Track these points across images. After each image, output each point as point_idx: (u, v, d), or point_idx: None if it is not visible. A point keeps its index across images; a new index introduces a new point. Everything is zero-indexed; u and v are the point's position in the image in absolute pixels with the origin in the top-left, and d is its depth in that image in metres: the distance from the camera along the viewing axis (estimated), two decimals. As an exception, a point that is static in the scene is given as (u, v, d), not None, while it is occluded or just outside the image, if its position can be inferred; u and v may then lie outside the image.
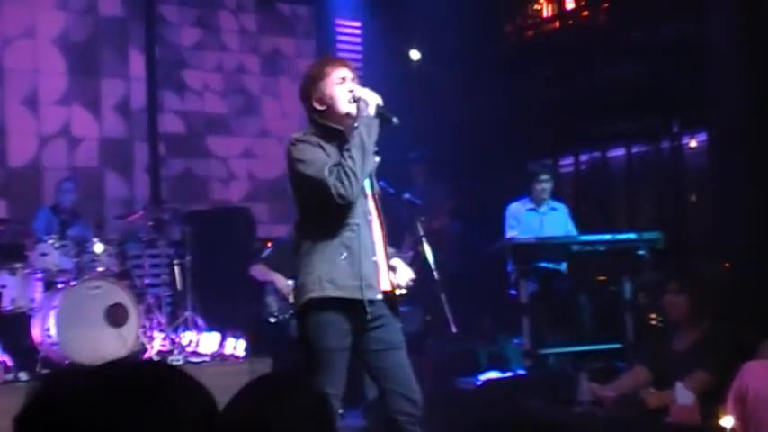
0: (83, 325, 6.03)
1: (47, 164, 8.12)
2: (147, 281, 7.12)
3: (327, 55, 3.58)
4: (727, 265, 6.40)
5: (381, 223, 3.54)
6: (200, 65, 8.96)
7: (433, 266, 6.84)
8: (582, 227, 6.92)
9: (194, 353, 6.69)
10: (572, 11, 9.19)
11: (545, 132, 8.68)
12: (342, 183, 3.24)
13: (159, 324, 6.84)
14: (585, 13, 9.04)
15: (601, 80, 8.26)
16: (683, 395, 4.02)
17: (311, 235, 3.41)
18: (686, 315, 4.53)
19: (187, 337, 6.81)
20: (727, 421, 3.13)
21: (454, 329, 7.05)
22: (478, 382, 5.26)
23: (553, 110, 8.53)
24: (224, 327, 6.85)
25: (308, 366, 3.40)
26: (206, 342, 6.75)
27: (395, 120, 3.42)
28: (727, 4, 7.04)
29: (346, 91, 3.44)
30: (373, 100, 3.40)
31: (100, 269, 6.36)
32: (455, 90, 8.69)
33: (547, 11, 9.49)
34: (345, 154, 3.30)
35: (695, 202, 8.59)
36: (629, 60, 8.12)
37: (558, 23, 9.33)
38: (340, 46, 9.47)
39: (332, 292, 3.30)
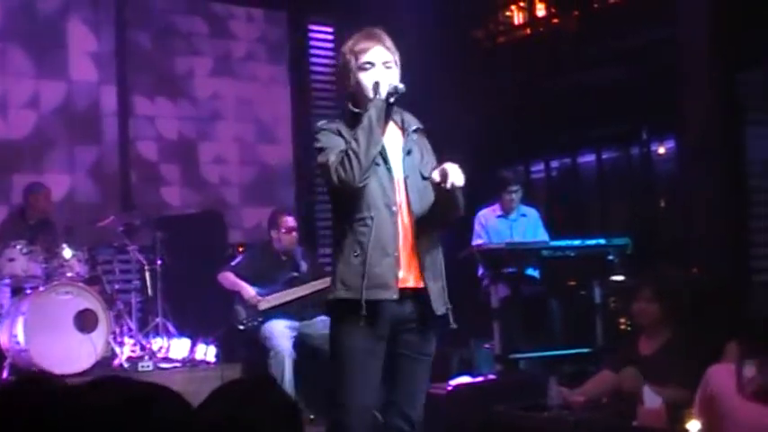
0: (52, 331, 5.98)
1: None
2: (117, 286, 7.09)
3: (370, 28, 3.32)
4: (695, 269, 6.45)
5: (411, 213, 3.19)
6: (171, 69, 8.90)
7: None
8: (554, 232, 6.96)
9: (165, 359, 6.66)
10: (543, 18, 9.25)
11: (516, 138, 8.72)
12: (342, 166, 3.03)
13: (129, 330, 6.81)
14: (556, 20, 9.10)
15: (571, 86, 8.32)
16: (651, 399, 4.06)
17: (335, 231, 3.26)
18: (656, 321, 4.58)
19: (157, 343, 6.79)
20: (694, 425, 3.17)
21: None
22: (449, 387, 5.26)
23: (524, 115, 8.58)
24: (195, 332, 6.82)
25: (332, 372, 3.18)
26: (177, 348, 6.72)
27: (400, 86, 3.18)
28: (697, 12, 7.12)
29: (372, 80, 3.19)
30: (384, 81, 3.18)
31: (69, 275, 6.31)
32: (425, 95, 8.71)
33: (518, 18, 9.54)
34: (352, 138, 3.10)
35: (664, 207, 8.67)
36: (599, 67, 8.19)
37: (529, 30, 9.38)
38: (313, 51, 9.47)
39: (343, 293, 3.11)
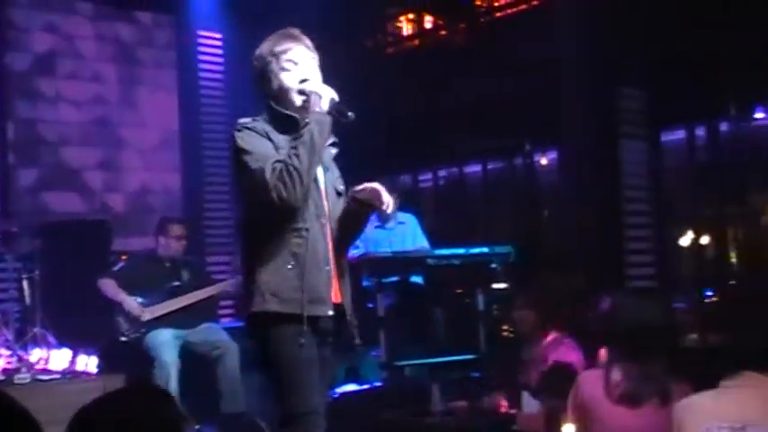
0: None
1: None
2: (-7, 296, 6.85)
3: (286, 29, 3.16)
4: (575, 277, 6.66)
5: (332, 230, 3.11)
6: (52, 72, 8.67)
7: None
8: (441, 240, 7.07)
9: (44, 370, 6.46)
10: (431, 30, 9.41)
11: (404, 148, 8.83)
12: (284, 184, 2.86)
13: (6, 341, 6.58)
14: (444, 32, 9.27)
15: (458, 98, 8.49)
16: (529, 403, 4.18)
17: (254, 239, 3.02)
18: (534, 328, 4.72)
19: (36, 354, 6.57)
20: (569, 429, 3.27)
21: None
22: (335, 395, 5.29)
23: (412, 126, 8.70)
24: (76, 343, 6.65)
25: (279, 384, 3.00)
26: (56, 359, 6.53)
27: (350, 114, 3.00)
28: (577, 29, 7.37)
29: (296, 80, 3.05)
30: (327, 93, 3.01)
31: (-59, 284, 6.07)
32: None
33: (407, 29, 9.68)
34: (292, 152, 2.91)
35: (547, 216, 8.93)
36: (485, 79, 8.38)
37: (417, 41, 9.53)
38: (201, 57, 9.36)
39: (275, 306, 2.94)
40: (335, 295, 3.06)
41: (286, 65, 3.05)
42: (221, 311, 8.21)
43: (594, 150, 7.24)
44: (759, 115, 8.00)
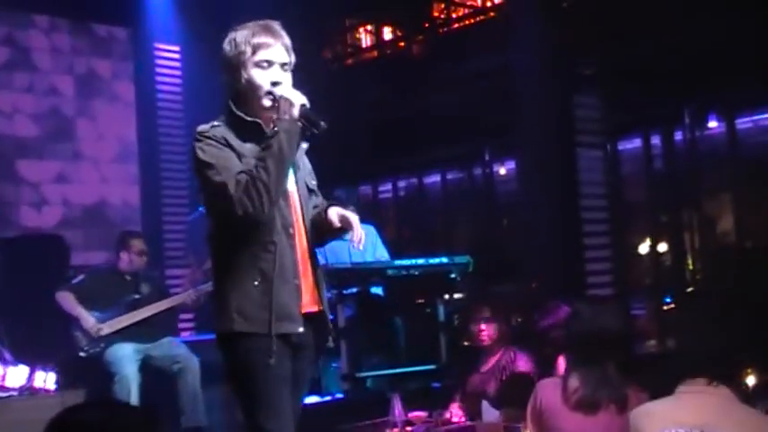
0: None
1: None
2: (-53, 313, 6.73)
3: (265, 21, 2.91)
4: (534, 285, 6.72)
5: (306, 232, 2.92)
6: (8, 85, 8.57)
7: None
8: (402, 251, 7.09)
9: (1, 387, 6.37)
10: (389, 41, 9.46)
11: (363, 158, 8.86)
12: (250, 199, 2.67)
13: (-39, 359, 6.48)
14: (402, 44, 9.32)
15: (417, 108, 8.53)
16: (489, 413, 4.20)
17: (222, 253, 2.85)
18: (494, 339, 4.75)
19: (-8, 371, 6.48)
20: (528, 436, 3.30)
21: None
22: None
23: (371, 136, 8.72)
24: (33, 359, 6.56)
25: (249, 405, 2.87)
26: (13, 376, 6.42)
27: (322, 124, 2.80)
28: (534, 37, 7.44)
29: (267, 80, 2.83)
30: (297, 99, 2.80)
31: None
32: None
33: (366, 40, 9.72)
34: (259, 164, 2.71)
35: (506, 225, 9.00)
36: (443, 90, 8.44)
37: (376, 53, 9.57)
38: (159, 70, 9.31)
39: (240, 326, 2.77)
40: (312, 303, 2.91)
41: (260, 62, 2.84)
42: (182, 325, 8.15)
43: (552, 159, 7.31)
44: (713, 124, 8.14)
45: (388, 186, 9.56)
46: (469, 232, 9.18)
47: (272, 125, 2.81)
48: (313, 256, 2.95)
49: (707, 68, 7.02)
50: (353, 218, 2.95)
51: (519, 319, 4.98)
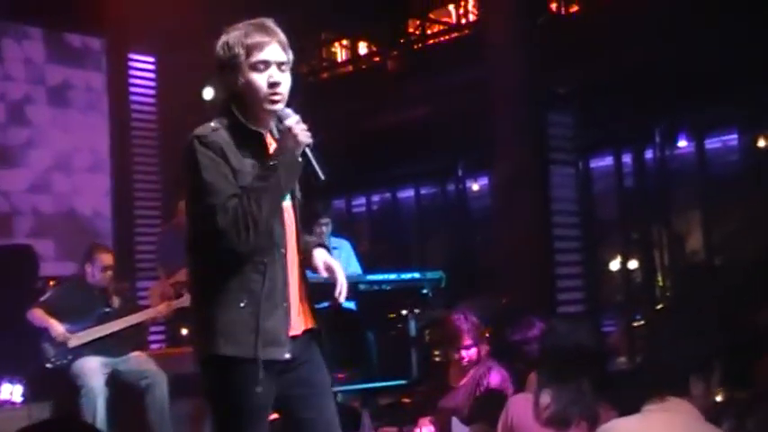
0: None
1: None
2: None
3: (258, 19, 2.74)
4: (504, 300, 6.74)
5: (299, 248, 2.76)
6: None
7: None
8: (375, 265, 7.09)
9: (-33, 400, 6.29)
10: (365, 56, 9.49)
11: (337, 172, 8.86)
12: (237, 232, 2.53)
13: (-73, 371, 6.39)
14: (377, 58, 9.35)
15: (391, 123, 8.56)
16: (458, 429, 4.20)
17: (205, 270, 2.68)
18: (473, 360, 4.75)
19: (-42, 383, 6.40)
20: (498, 453, 3.31)
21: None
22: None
23: (345, 150, 8.73)
24: (0, 371, 6.49)
25: (217, 428, 2.72)
26: (-21, 388, 6.37)
27: (321, 176, 2.70)
28: (508, 55, 7.50)
29: (265, 81, 2.66)
30: (304, 138, 2.68)
31: None
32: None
33: (341, 54, 9.74)
34: (252, 195, 2.55)
35: (479, 241, 9.03)
36: (418, 105, 8.47)
37: (351, 67, 9.59)
38: (133, 81, 9.28)
39: (225, 349, 2.60)
40: (304, 322, 2.75)
41: (256, 64, 2.67)
42: (152, 337, 8.09)
43: (525, 176, 7.36)
44: (683, 143, 8.24)
45: (362, 200, 9.57)
46: (442, 247, 9.20)
47: (271, 151, 2.68)
48: (303, 273, 2.80)
49: (678, 89, 7.11)
50: (339, 270, 2.84)
51: (488, 335, 4.98)
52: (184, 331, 7.43)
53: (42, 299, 6.16)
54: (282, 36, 2.74)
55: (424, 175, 9.05)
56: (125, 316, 5.95)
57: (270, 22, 2.76)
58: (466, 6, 9.42)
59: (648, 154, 8.41)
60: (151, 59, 9.38)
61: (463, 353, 4.84)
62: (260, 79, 2.67)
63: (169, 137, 9.22)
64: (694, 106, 7.61)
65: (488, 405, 4.21)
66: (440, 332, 5.65)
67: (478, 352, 4.81)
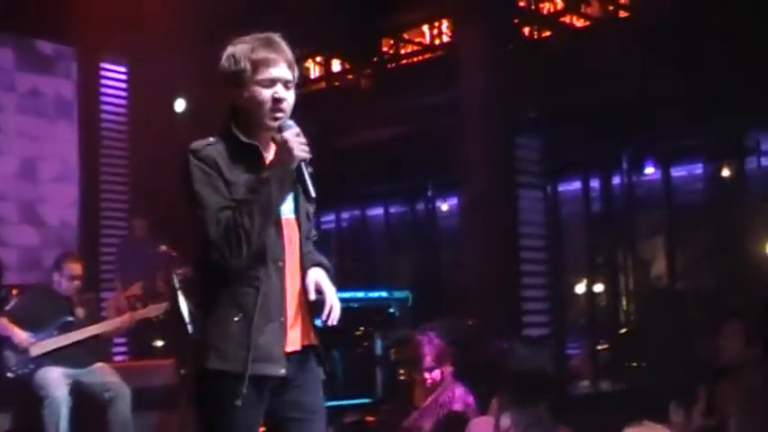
0: None
1: None
2: None
3: (266, 34, 2.69)
4: (470, 321, 6.76)
5: (301, 265, 2.69)
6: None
7: (187, 320, 6.75)
8: (343, 283, 7.09)
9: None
10: (338, 73, 9.52)
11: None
12: (229, 246, 2.52)
13: None
14: (350, 76, 9.39)
15: (363, 141, 8.59)
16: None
17: (204, 282, 2.67)
18: (437, 381, 4.75)
19: None
20: (459, 474, 3.33)
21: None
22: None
23: (316, 167, 8.74)
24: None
25: None
26: (-61, 398, 6.27)
27: (312, 194, 2.67)
28: (480, 78, 7.57)
29: (270, 97, 2.63)
30: (299, 152, 2.62)
31: None
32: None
33: (314, 71, 9.77)
34: (243, 209, 2.54)
35: (447, 261, 9.07)
36: (389, 124, 8.52)
37: (324, 84, 9.63)
38: (104, 90, 9.23)
39: (215, 363, 2.57)
40: (302, 338, 2.65)
41: (261, 81, 2.64)
42: (115, 350, 8.03)
43: (493, 198, 7.41)
44: (649, 170, 8.36)
45: (332, 217, 9.58)
46: (411, 266, 9.23)
47: (265, 166, 2.62)
48: (304, 285, 2.68)
49: (646, 117, 7.22)
50: (330, 292, 2.71)
51: (452, 357, 4.99)
52: (159, 343, 7.43)
53: (7, 307, 6.10)
54: (290, 54, 2.69)
55: (394, 194, 9.08)
56: (90, 326, 5.91)
57: (277, 38, 2.72)
58: (440, 28, 9.51)
59: (616, 180, 8.51)
60: (123, 69, 9.33)
61: (426, 374, 4.85)
62: (264, 94, 2.63)
63: (139, 148, 9.18)
64: (662, 134, 7.73)
65: (450, 427, 4.23)
66: (405, 352, 5.67)
67: (442, 373, 4.81)
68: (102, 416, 5.70)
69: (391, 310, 6.07)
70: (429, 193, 8.89)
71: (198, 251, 2.62)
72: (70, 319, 5.95)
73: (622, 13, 8.54)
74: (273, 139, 2.71)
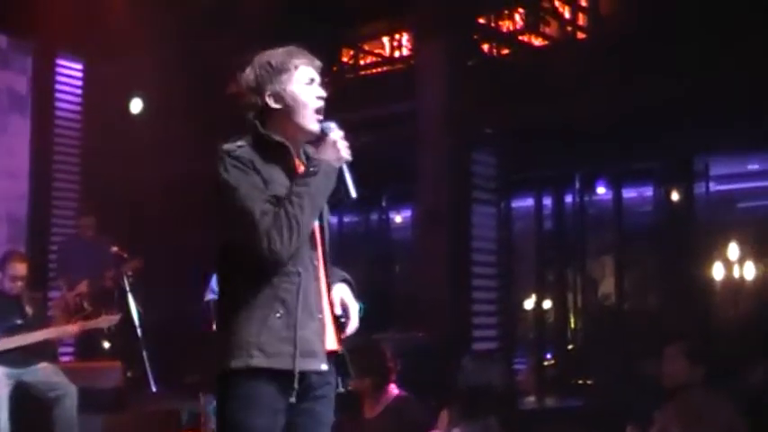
0: None
1: None
2: None
3: (292, 46, 2.77)
4: (420, 334, 6.79)
5: (326, 265, 2.71)
6: None
7: (136, 322, 6.69)
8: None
9: None
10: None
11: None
12: (280, 235, 2.49)
13: None
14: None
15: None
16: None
17: (236, 280, 2.61)
18: (371, 390, 4.75)
19: None
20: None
21: (154, 388, 6.93)
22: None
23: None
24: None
25: None
26: None
27: (352, 195, 2.69)
28: (438, 92, 7.63)
29: (314, 96, 2.67)
30: (345, 153, 2.67)
31: None
32: (175, 147, 8.58)
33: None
34: (294, 198, 2.54)
35: (399, 273, 9.11)
36: (346, 133, 8.51)
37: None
38: (59, 87, 9.11)
39: (261, 361, 2.50)
40: (334, 341, 2.65)
41: (303, 79, 2.68)
42: (61, 350, 7.90)
43: (447, 211, 7.47)
44: (601, 190, 8.49)
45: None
46: (362, 276, 9.24)
47: (309, 161, 2.65)
48: (331, 289, 2.70)
49: (600, 138, 7.33)
50: (354, 311, 2.71)
51: (399, 368, 4.97)
52: (106, 345, 7.34)
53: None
54: (317, 61, 2.76)
55: (348, 203, 9.10)
56: (36, 327, 5.82)
57: (303, 49, 2.78)
58: (400, 40, 9.55)
59: (568, 198, 8.63)
60: (79, 66, 9.23)
61: (356, 381, 4.82)
62: (308, 92, 2.67)
63: (92, 146, 9.08)
64: (615, 156, 7.86)
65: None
66: (355, 362, 5.65)
67: (373, 383, 4.80)
68: (46, 416, 5.63)
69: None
70: (383, 204, 8.92)
71: (234, 249, 2.60)
72: (19, 321, 5.84)
73: (580, 35, 8.66)
74: (300, 155, 2.71)
